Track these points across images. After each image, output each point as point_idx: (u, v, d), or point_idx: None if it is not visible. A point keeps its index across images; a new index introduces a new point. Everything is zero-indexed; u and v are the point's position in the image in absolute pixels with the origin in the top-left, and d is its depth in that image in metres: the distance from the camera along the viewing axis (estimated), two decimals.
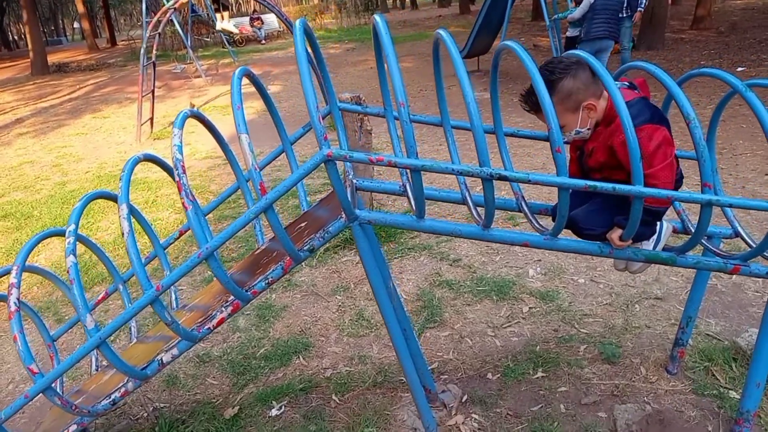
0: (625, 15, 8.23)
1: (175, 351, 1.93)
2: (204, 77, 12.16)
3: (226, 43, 16.88)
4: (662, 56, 10.67)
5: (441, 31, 1.79)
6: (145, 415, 2.65)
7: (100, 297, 2.46)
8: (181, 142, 1.70)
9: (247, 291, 1.87)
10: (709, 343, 2.71)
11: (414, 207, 1.83)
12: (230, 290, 1.80)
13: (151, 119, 7.89)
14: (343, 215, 1.82)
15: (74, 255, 1.75)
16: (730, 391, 2.38)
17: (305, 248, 1.85)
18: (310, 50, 1.94)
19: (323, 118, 1.76)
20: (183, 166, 1.67)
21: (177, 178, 1.64)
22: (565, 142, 1.92)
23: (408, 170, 1.65)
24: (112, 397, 1.97)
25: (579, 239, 1.94)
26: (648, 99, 1.83)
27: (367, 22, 25.87)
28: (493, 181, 1.65)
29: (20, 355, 1.75)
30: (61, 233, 2.22)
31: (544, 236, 1.86)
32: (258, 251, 2.32)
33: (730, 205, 1.67)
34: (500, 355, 2.81)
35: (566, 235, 1.93)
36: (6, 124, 9.91)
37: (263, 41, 21.51)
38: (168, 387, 2.84)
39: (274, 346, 3.10)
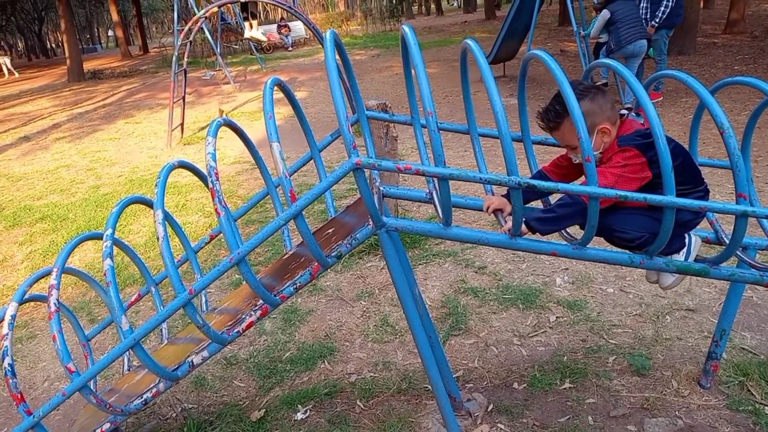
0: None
1: (205, 353, 1.97)
2: (233, 84, 12.36)
3: (254, 50, 17.14)
4: (694, 61, 10.46)
5: (469, 41, 1.80)
6: (174, 415, 2.71)
7: (133, 299, 2.52)
8: (214, 150, 1.75)
9: (275, 296, 1.90)
10: (744, 357, 2.64)
11: (441, 215, 1.83)
12: (259, 295, 1.83)
13: (182, 125, 8.06)
14: (371, 222, 1.83)
15: (111, 258, 1.81)
16: (766, 407, 2.32)
17: (333, 254, 1.87)
18: (339, 60, 1.96)
19: (351, 126, 1.79)
20: (217, 174, 1.71)
21: (210, 185, 1.68)
22: (575, 160, 1.93)
23: (435, 179, 1.66)
24: (144, 396, 2.02)
25: (609, 249, 1.92)
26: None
27: (392, 28, 25.97)
28: (521, 190, 1.65)
29: (58, 354, 1.81)
30: (97, 237, 2.29)
31: (572, 245, 1.84)
32: (286, 256, 2.36)
33: (766, 216, 1.63)
34: (526, 365, 2.79)
35: (595, 245, 1.91)
36: (44, 129, 10.23)
37: (290, 48, 21.78)
38: (196, 388, 2.89)
39: (300, 350, 3.13)
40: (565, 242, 1.90)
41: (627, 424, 2.34)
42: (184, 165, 2.12)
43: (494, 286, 3.53)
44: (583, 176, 1.70)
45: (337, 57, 1.80)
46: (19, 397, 1.87)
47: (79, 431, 2.18)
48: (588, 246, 1.86)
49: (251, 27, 8.39)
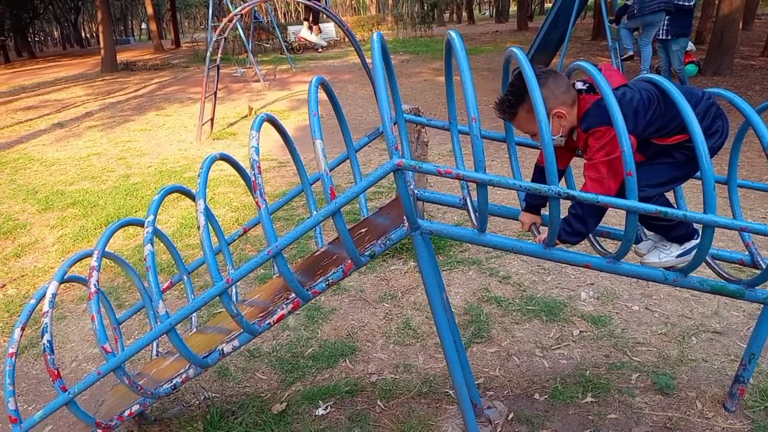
0: (669, 38, 8.22)
1: (235, 342, 2.01)
2: (262, 82, 12.51)
3: (285, 50, 17.32)
4: (730, 82, 10.30)
5: (515, 49, 1.82)
6: (197, 402, 2.75)
7: (165, 285, 2.58)
8: (258, 144, 1.79)
9: (307, 290, 1.93)
10: None
11: (476, 221, 1.85)
12: (293, 288, 1.86)
13: (212, 120, 8.18)
14: (406, 224, 1.85)
15: (152, 244, 1.86)
16: None
17: (366, 254, 1.90)
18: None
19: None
20: (259, 168, 1.75)
21: (253, 178, 1.72)
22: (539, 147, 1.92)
23: (475, 184, 1.68)
24: (174, 381, 2.06)
25: (643, 265, 1.92)
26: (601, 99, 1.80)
27: (422, 34, 26.01)
28: (560, 200, 1.66)
29: (96, 333, 1.87)
30: (135, 223, 2.35)
31: (606, 259, 1.84)
32: (318, 253, 2.39)
33: None
34: (548, 377, 2.78)
35: (629, 260, 1.91)
36: (77, 116, 10.47)
37: (320, 49, 21.96)
38: (219, 378, 2.94)
39: (322, 347, 3.16)
40: (598, 255, 1.89)
41: None
42: (225, 158, 2.17)
43: (518, 296, 3.52)
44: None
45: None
46: (56, 373, 1.93)
47: (108, 411, 2.24)
48: (622, 260, 1.86)
49: (311, 31, 8.48)
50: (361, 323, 3.38)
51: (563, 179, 2.10)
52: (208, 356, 2.02)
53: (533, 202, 2.10)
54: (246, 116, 9.27)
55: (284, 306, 1.98)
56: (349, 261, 1.90)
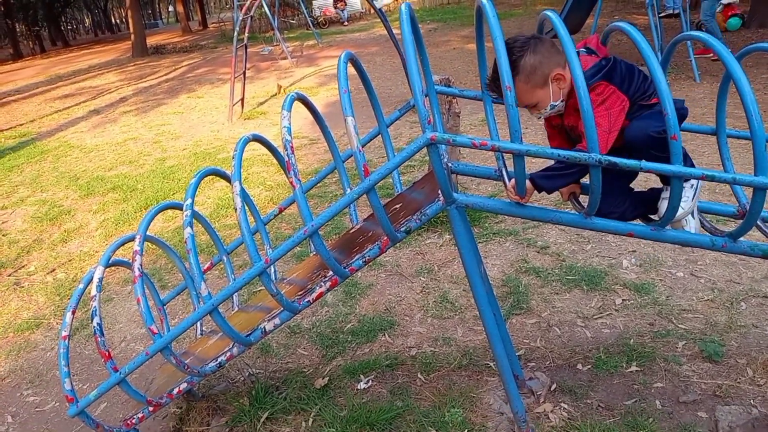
0: None
1: (277, 320, 2.04)
2: (290, 59, 12.48)
3: (311, 25, 17.19)
4: None
5: (549, 13, 1.74)
6: (242, 379, 2.83)
7: (206, 266, 2.63)
8: (290, 124, 1.77)
9: (345, 268, 1.94)
10: None
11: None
12: (331, 266, 1.87)
13: (242, 100, 8.22)
14: (441, 198, 1.83)
15: (191, 227, 1.89)
16: None
17: (402, 229, 1.88)
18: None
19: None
20: (292, 147, 1.74)
21: (287, 158, 1.72)
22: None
23: (512, 155, 1.63)
24: (219, 360, 2.11)
25: (689, 232, 1.85)
26: (606, 59, 1.75)
27: (449, 1, 25.38)
28: (601, 168, 1.60)
29: (142, 316, 1.92)
30: (174, 206, 2.39)
31: (651, 227, 1.78)
32: (353, 230, 2.39)
33: None
34: (590, 346, 2.74)
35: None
36: (112, 102, 10.70)
37: (346, 23, 21.71)
38: (262, 355, 3.00)
39: (361, 322, 3.19)
40: (642, 223, 1.83)
41: (697, 410, 2.28)
42: (258, 138, 2.17)
43: (557, 266, 3.47)
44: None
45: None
46: (107, 354, 2.00)
47: (158, 389, 2.32)
48: (667, 227, 1.79)
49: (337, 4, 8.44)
50: (398, 298, 3.40)
51: None
52: (251, 334, 2.06)
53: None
54: (275, 95, 9.29)
55: (323, 284, 1.99)
56: (385, 237, 1.89)
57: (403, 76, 9.07)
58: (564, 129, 1.96)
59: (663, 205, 1.87)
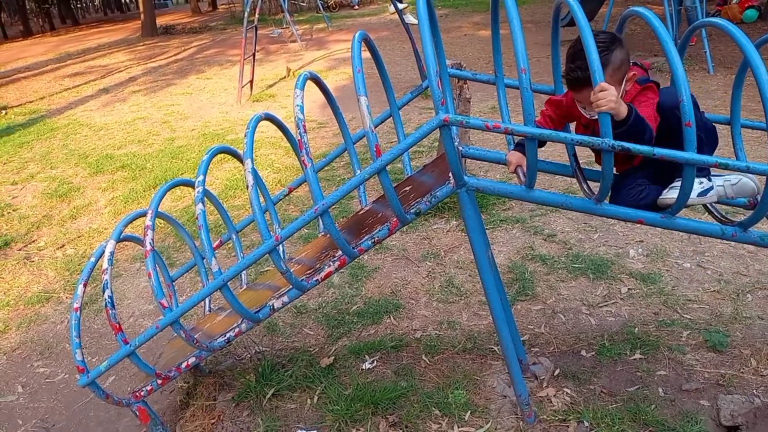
0: None
1: (285, 298, 2.06)
2: (299, 42, 12.41)
3: (321, 8, 17.07)
4: None
5: None
6: (249, 356, 2.86)
7: (215, 244, 2.65)
8: (302, 103, 1.78)
9: (354, 248, 1.95)
10: None
11: (524, 177, 1.81)
12: (340, 246, 1.88)
13: (251, 82, 8.20)
14: (452, 181, 1.83)
15: (203, 203, 1.90)
16: None
17: (412, 211, 1.89)
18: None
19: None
20: (304, 126, 1.74)
21: (299, 137, 1.72)
22: (591, 116, 1.79)
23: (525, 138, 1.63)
24: (228, 335, 2.14)
25: (699, 220, 1.85)
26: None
27: None
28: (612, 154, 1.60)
29: (153, 290, 1.95)
30: (185, 183, 2.41)
31: (661, 215, 1.78)
32: (362, 212, 2.40)
33: None
34: (595, 334, 2.76)
35: (685, 214, 1.85)
36: (121, 81, 10.69)
37: (356, 6, 21.54)
38: (269, 333, 3.04)
39: (366, 304, 3.21)
40: (653, 211, 1.83)
41: (700, 398, 2.29)
42: (270, 117, 2.18)
43: (563, 254, 3.47)
44: None
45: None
46: (118, 326, 2.03)
47: (167, 363, 2.35)
48: (677, 216, 1.79)
49: None
50: (404, 281, 3.42)
51: None
52: (260, 311, 2.09)
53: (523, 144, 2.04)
54: (284, 77, 9.26)
55: (331, 263, 2.01)
56: (395, 219, 1.90)
57: (413, 62, 9.00)
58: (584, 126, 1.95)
59: (671, 194, 1.86)
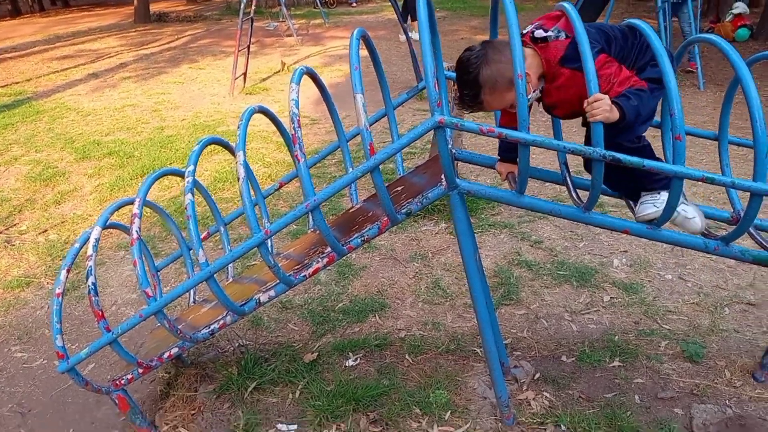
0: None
1: (272, 293, 2.06)
2: (295, 37, 12.36)
3: (318, 3, 17.01)
4: None
5: (565, 4, 1.75)
6: (231, 349, 2.86)
7: (202, 236, 2.64)
8: (297, 97, 1.78)
9: (343, 246, 1.96)
10: None
11: (516, 183, 1.83)
12: (330, 243, 1.89)
13: (245, 74, 8.14)
14: (444, 183, 1.85)
15: (192, 194, 1.89)
16: None
17: (403, 211, 1.90)
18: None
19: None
20: (299, 121, 1.75)
21: (292, 132, 1.73)
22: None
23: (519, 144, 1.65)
24: (212, 327, 2.13)
25: (683, 233, 1.88)
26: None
27: None
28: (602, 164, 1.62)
29: (138, 278, 1.94)
30: (175, 173, 2.40)
31: (647, 226, 1.81)
32: (352, 210, 2.41)
33: None
34: (576, 340, 2.79)
35: (670, 228, 1.88)
36: (111, 67, 10.55)
37: (354, 4, 21.50)
38: (252, 327, 3.03)
39: (352, 302, 3.22)
40: (638, 222, 1.86)
41: (674, 406, 2.34)
42: (263, 110, 2.18)
43: (549, 261, 3.51)
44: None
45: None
46: (100, 314, 2.02)
47: (148, 353, 2.34)
48: (663, 227, 1.82)
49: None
50: (391, 281, 3.43)
51: None
52: (245, 304, 2.08)
53: (509, 153, 2.09)
54: (278, 71, 9.21)
55: (319, 260, 2.01)
56: (385, 218, 1.91)
57: (408, 63, 9.01)
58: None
59: (644, 208, 1.89)
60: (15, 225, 4.51)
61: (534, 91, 1.78)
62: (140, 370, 2.21)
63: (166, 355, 2.20)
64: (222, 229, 2.53)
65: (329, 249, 2.01)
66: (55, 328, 2.05)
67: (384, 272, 3.53)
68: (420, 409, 2.38)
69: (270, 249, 2.58)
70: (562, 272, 3.36)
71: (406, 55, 9.04)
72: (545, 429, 2.25)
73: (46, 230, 4.40)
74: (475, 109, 1.82)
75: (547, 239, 3.76)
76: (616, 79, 1.70)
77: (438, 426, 2.30)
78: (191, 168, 1.96)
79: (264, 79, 8.86)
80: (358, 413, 2.39)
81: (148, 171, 5.31)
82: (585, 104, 1.59)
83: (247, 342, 2.88)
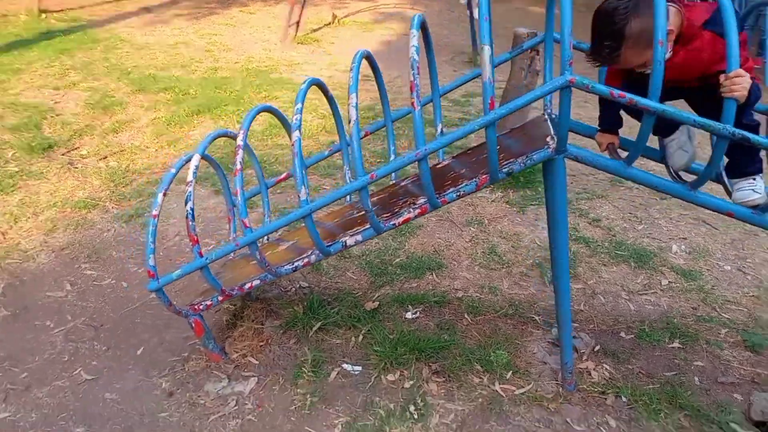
0: None
1: (359, 237, 2.11)
2: None
3: None
4: None
5: None
6: (293, 289, 2.94)
7: (281, 177, 2.69)
8: (418, 44, 1.77)
9: (438, 198, 1.98)
10: None
11: (616, 154, 1.83)
12: (428, 192, 1.92)
13: (298, 23, 8.07)
14: (551, 146, 1.85)
15: (299, 131, 1.92)
16: None
17: (504, 170, 1.91)
18: None
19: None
20: (419, 67, 1.75)
21: (412, 78, 1.73)
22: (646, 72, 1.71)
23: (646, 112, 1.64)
24: (296, 264, 2.19)
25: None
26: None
27: None
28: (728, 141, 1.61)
29: (239, 208, 1.99)
30: (272, 111, 2.42)
31: (753, 210, 1.81)
32: (440, 166, 2.42)
33: None
34: (634, 318, 2.82)
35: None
36: (164, 3, 10.49)
37: None
38: (313, 270, 3.10)
39: (409, 258, 3.27)
40: (745, 207, 1.85)
41: (734, 392, 2.37)
42: (317, 83, 2.19)
43: (607, 240, 3.51)
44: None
45: None
46: (195, 238, 2.08)
47: (227, 282, 2.41)
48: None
49: None
50: (447, 242, 3.46)
51: None
52: (332, 246, 2.13)
53: (611, 123, 2.09)
54: (329, 24, 9.10)
55: (411, 210, 2.04)
56: (484, 175, 1.93)
57: (462, 28, 8.84)
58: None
59: (745, 195, 1.88)
60: (76, 149, 4.60)
61: (669, 51, 1.74)
62: (220, 298, 2.29)
63: (247, 285, 2.27)
64: (303, 172, 2.56)
65: (422, 200, 2.04)
66: (149, 247, 2.12)
67: (440, 233, 3.56)
68: (481, 366, 2.44)
69: (349, 199, 2.62)
70: (620, 252, 3.36)
71: (457, 21, 8.87)
72: (606, 399, 2.30)
73: (105, 157, 4.49)
74: (608, 63, 1.79)
75: (605, 218, 3.75)
76: (742, 59, 1.67)
77: (500, 384, 2.36)
78: (299, 106, 1.98)
79: (314, 30, 8.77)
80: (420, 362, 2.46)
81: (205, 111, 5.35)
82: (722, 78, 1.57)
83: (308, 284, 2.96)
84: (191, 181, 2.09)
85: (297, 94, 2.00)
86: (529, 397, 2.30)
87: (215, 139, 2.29)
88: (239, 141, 2.03)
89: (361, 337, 2.61)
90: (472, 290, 3.02)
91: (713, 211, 1.84)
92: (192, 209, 2.07)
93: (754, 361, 2.54)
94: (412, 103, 1.74)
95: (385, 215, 2.14)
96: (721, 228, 3.65)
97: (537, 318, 2.79)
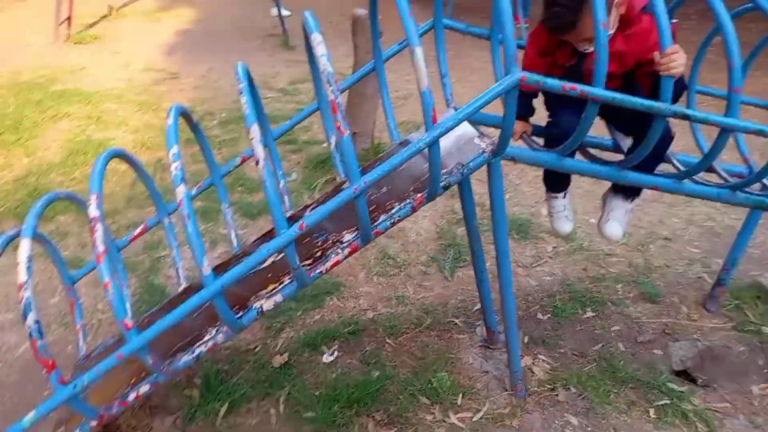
0: None
1: (278, 297, 1.68)
2: None
3: None
4: None
5: None
6: None
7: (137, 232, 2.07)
8: (328, 51, 1.38)
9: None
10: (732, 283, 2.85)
11: (532, 143, 1.68)
12: (363, 228, 1.56)
13: (69, 18, 6.69)
14: (487, 150, 1.61)
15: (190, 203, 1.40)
16: (763, 327, 2.56)
17: (441, 185, 1.64)
18: None
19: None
20: (336, 80, 1.36)
21: (332, 96, 1.33)
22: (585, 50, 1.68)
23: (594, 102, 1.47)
24: (197, 351, 1.68)
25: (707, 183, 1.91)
26: None
27: None
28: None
29: (113, 306, 1.41)
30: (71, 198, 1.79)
31: (672, 180, 1.79)
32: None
33: None
34: (540, 295, 2.81)
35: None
36: None
37: None
38: None
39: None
40: (666, 176, 1.84)
41: (653, 348, 2.47)
42: (183, 114, 1.69)
43: (484, 216, 3.46)
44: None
45: None
46: (51, 362, 1.45)
47: (96, 396, 1.78)
48: (685, 181, 1.82)
49: None
50: None
51: None
52: (243, 316, 1.66)
53: (523, 111, 1.97)
54: (106, 16, 7.74)
55: (339, 251, 1.67)
56: (419, 195, 1.63)
57: (261, 8, 8.18)
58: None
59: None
60: None
61: (612, 30, 1.61)
62: (93, 424, 1.67)
63: (131, 396, 1.68)
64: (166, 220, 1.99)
65: (349, 236, 1.67)
66: None
67: None
68: (428, 398, 2.19)
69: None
70: None
71: (257, 1, 8.20)
72: (557, 394, 2.22)
73: None
74: (565, 29, 1.60)
75: (476, 194, 3.71)
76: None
77: (453, 413, 2.14)
78: (174, 150, 1.45)
79: (91, 25, 7.39)
80: (361, 417, 2.12)
81: None
82: (657, 56, 1.46)
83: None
84: (26, 282, 1.43)
85: (167, 131, 1.46)
86: (489, 418, 2.11)
87: (46, 207, 1.62)
88: (92, 212, 1.43)
89: (281, 405, 2.17)
90: (381, 306, 2.75)
91: (645, 187, 1.80)
92: (37, 322, 1.42)
93: (656, 311, 2.68)
94: (339, 128, 1.35)
95: (306, 263, 1.72)
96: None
97: (457, 321, 2.63)
